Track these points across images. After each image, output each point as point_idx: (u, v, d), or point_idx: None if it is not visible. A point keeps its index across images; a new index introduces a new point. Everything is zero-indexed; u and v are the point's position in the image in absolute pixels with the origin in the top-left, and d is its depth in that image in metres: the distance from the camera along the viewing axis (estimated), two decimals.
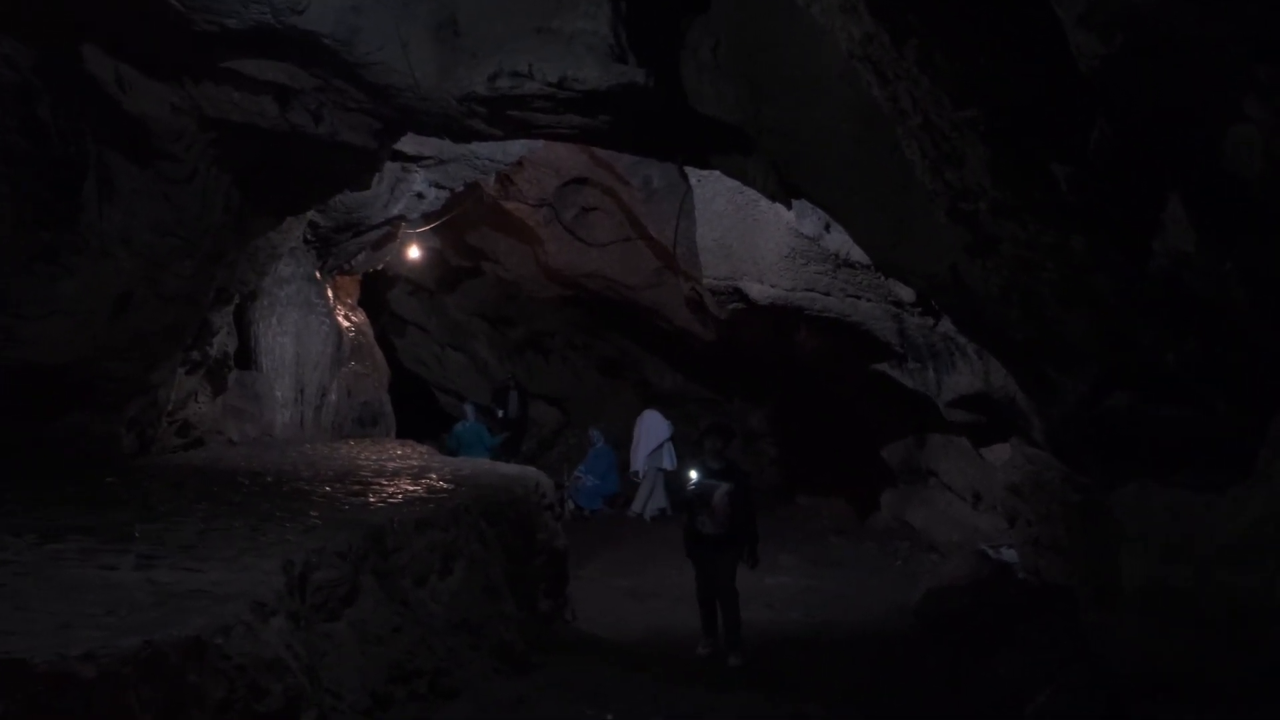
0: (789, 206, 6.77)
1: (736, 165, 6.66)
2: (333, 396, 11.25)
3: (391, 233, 12.17)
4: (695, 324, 15.67)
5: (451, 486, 7.98)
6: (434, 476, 8.46)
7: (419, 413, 22.82)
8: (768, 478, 18.92)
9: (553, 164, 13.86)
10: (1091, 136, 3.77)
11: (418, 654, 5.95)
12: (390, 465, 9.22)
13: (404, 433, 18.39)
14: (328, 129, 6.83)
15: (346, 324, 12.25)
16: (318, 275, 11.24)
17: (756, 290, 10.78)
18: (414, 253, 14.35)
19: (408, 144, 10.66)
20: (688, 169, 11.27)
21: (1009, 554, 10.90)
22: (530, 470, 9.19)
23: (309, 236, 11.13)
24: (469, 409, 16.32)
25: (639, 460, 16.55)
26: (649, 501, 16.00)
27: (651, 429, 16.74)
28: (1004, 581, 8.96)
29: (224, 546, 5.42)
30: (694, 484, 7.84)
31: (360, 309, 12.82)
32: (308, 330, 10.82)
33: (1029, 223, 4.43)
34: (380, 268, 13.16)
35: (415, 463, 9.49)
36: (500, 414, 18.42)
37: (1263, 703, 4.28)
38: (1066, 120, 3.85)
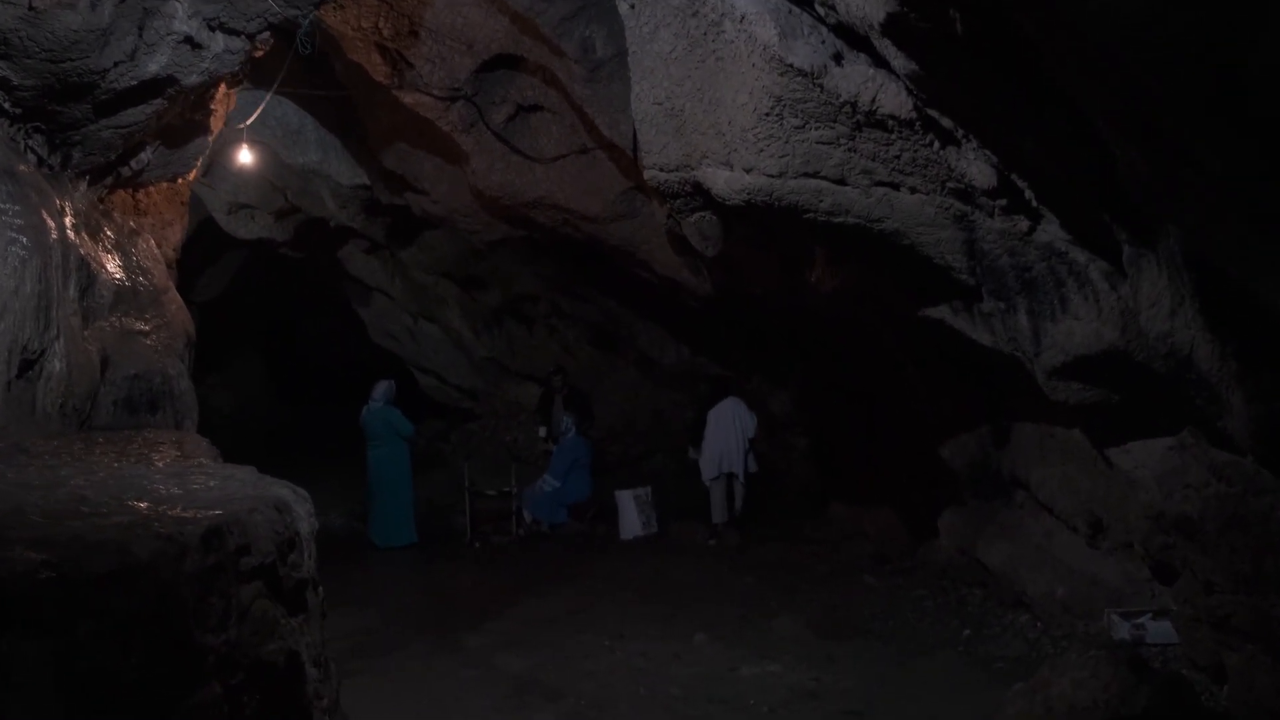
0: None
1: None
2: (56, 364, 6.97)
3: (191, 119, 7.97)
4: (684, 270, 11.26)
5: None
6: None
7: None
8: (797, 476, 14.54)
9: (460, 32, 9.50)
10: None
11: None
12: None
13: None
14: None
15: (107, 255, 7.96)
16: (21, 168, 7.00)
17: (723, 181, 6.34)
18: (245, 157, 9.99)
19: None
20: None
21: (1157, 630, 6.40)
22: (234, 506, 4.77)
23: (4, 105, 6.88)
24: (379, 389, 12.22)
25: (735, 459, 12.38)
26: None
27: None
28: None
29: None
30: None
31: (146, 236, 8.47)
32: None
33: None
34: (191, 175, 8.91)
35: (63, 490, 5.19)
36: (543, 434, 13.96)
37: None
38: None
